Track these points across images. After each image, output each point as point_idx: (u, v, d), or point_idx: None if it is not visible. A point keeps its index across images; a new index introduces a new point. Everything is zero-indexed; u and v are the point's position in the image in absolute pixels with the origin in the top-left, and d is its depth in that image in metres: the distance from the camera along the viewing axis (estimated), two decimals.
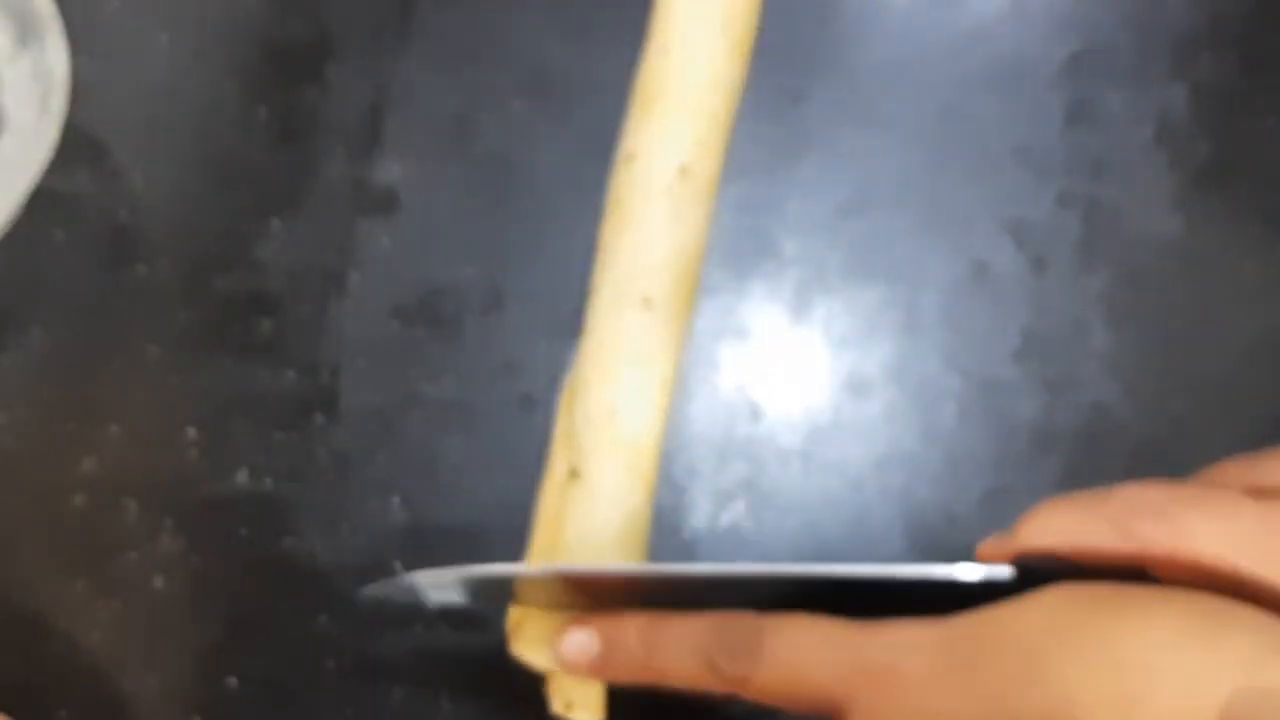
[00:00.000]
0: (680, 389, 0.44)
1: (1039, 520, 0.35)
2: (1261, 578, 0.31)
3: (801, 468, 0.45)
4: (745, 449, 0.45)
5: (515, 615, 0.41)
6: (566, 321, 0.45)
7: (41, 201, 0.44)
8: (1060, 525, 0.34)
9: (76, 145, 0.45)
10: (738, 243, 0.46)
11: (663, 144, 0.44)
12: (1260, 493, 0.32)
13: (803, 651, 0.35)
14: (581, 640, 0.38)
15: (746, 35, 0.45)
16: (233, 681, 0.42)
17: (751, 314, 0.46)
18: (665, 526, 0.44)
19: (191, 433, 0.44)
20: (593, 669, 0.38)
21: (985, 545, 0.36)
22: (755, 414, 0.45)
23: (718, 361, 0.46)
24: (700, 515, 0.44)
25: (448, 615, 0.43)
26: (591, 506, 0.41)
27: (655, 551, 0.43)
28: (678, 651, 0.36)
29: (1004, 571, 0.34)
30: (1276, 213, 0.47)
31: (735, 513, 0.44)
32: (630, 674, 0.38)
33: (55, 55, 0.41)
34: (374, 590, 0.42)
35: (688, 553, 0.44)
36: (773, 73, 0.47)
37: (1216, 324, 0.46)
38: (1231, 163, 0.47)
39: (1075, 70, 0.48)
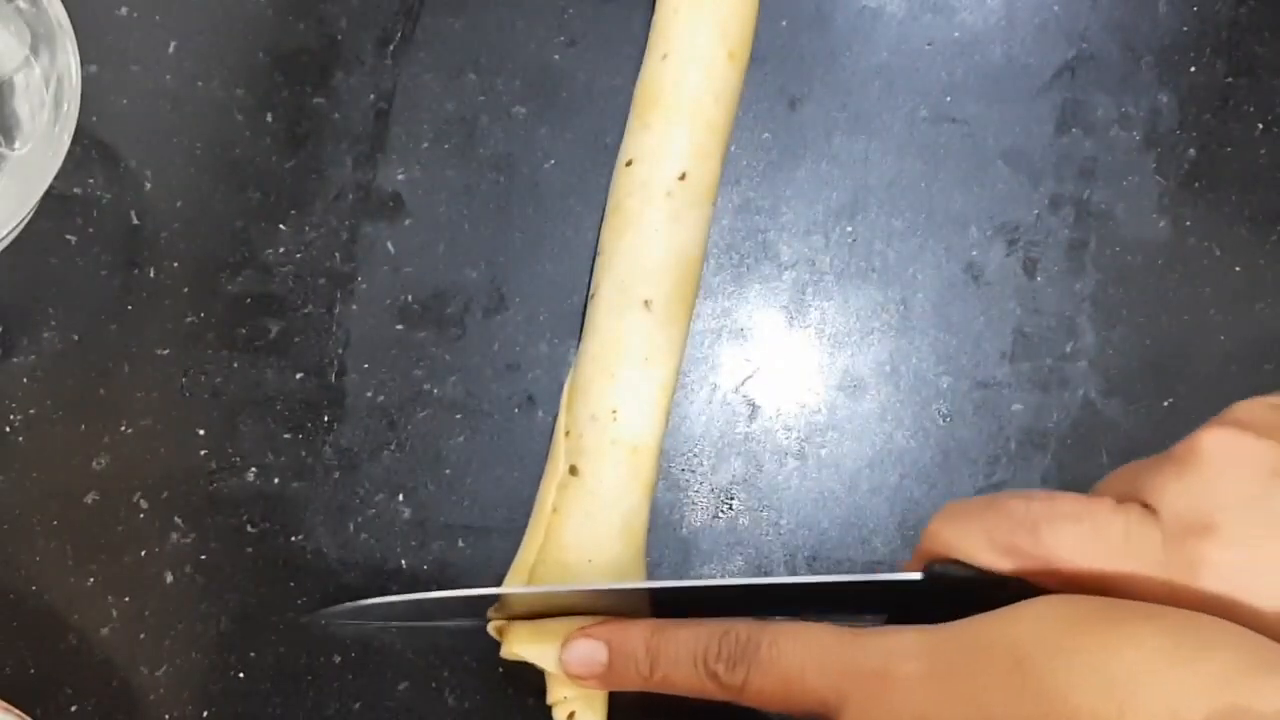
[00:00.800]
0: (679, 388, 0.45)
1: (932, 528, 0.36)
2: (1127, 586, 0.32)
3: (797, 466, 0.45)
4: (742, 447, 0.45)
5: (498, 620, 0.42)
6: (568, 323, 0.46)
7: (54, 205, 0.45)
8: (947, 536, 0.35)
9: (88, 150, 0.46)
10: (735, 245, 0.47)
11: (662, 149, 0.44)
12: (1133, 502, 0.33)
13: (797, 658, 0.35)
14: (587, 650, 0.39)
15: (744, 43, 0.46)
16: (240, 675, 0.43)
17: (749, 315, 0.46)
18: (664, 523, 0.44)
19: (201, 432, 0.44)
20: (598, 679, 0.39)
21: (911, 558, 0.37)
22: (752, 413, 0.46)
23: (716, 362, 0.46)
24: (698, 512, 0.45)
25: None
26: (590, 504, 0.42)
27: (654, 548, 0.44)
28: (680, 660, 0.37)
29: (915, 577, 0.35)
30: (1262, 216, 0.48)
31: (732, 510, 0.45)
32: (634, 683, 0.38)
33: (67, 61, 0.41)
34: (328, 614, 0.42)
35: (686, 549, 0.44)
36: (769, 79, 0.48)
37: (1204, 324, 0.47)
38: (1218, 167, 0.48)
39: (1065, 76, 0.48)
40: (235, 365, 0.45)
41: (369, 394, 0.45)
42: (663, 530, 0.44)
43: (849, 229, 0.47)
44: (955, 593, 0.35)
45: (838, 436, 0.45)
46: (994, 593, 0.34)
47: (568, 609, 0.40)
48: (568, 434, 0.43)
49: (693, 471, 0.45)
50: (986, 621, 0.33)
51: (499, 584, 0.43)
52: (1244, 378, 0.46)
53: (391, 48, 0.48)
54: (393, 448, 0.45)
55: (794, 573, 0.45)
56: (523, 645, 0.40)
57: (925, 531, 0.36)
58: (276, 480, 0.44)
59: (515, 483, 0.44)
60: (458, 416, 0.45)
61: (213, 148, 0.46)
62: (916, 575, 0.36)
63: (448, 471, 0.45)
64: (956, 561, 0.35)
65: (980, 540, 0.34)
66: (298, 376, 0.45)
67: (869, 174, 0.47)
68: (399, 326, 0.46)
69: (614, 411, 0.42)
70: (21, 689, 0.42)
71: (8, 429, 0.44)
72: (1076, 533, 0.33)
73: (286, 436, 0.45)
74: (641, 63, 0.46)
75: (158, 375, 0.45)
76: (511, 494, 0.44)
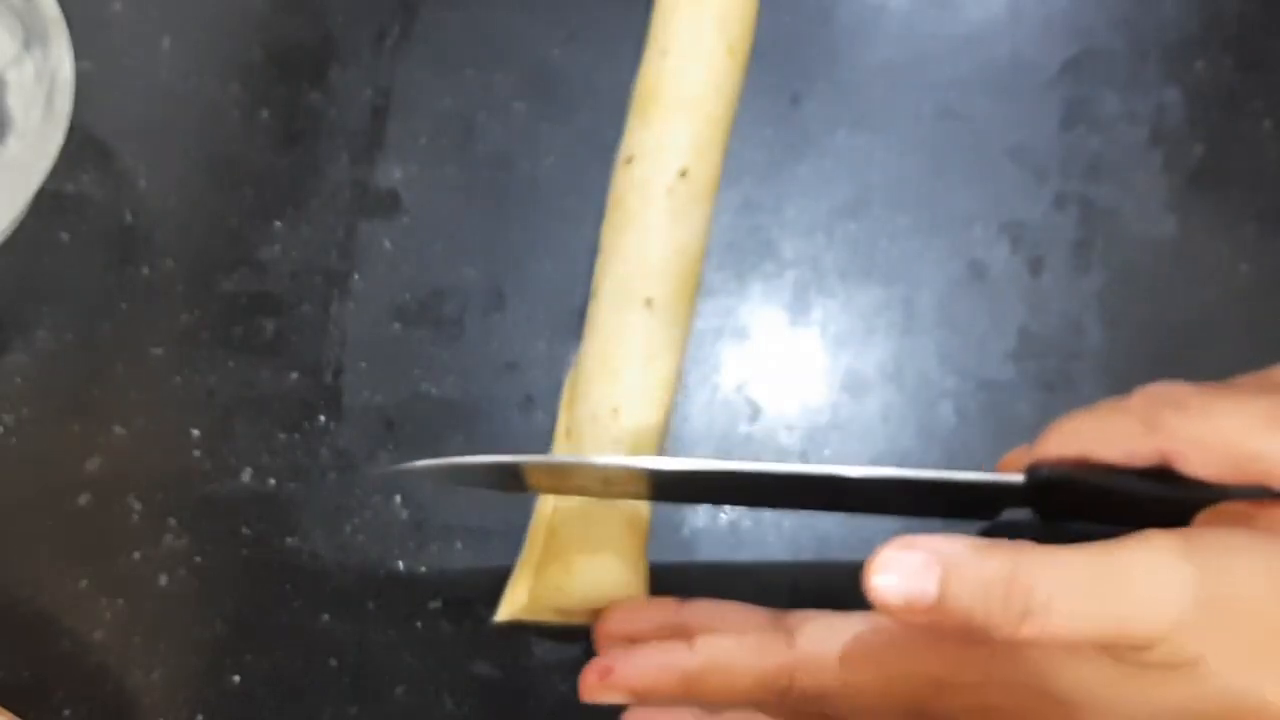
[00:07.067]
0: (680, 388, 0.45)
1: (1065, 430, 0.35)
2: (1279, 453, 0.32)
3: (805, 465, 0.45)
4: (744, 448, 0.45)
5: (514, 603, 0.42)
6: (568, 322, 0.45)
7: (46, 203, 0.45)
8: (1087, 430, 0.35)
9: (81, 147, 0.45)
10: (737, 244, 0.47)
11: (662, 146, 0.44)
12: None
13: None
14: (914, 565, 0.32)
15: (745, 38, 0.46)
16: (236, 679, 0.43)
17: (751, 314, 0.46)
18: (665, 524, 0.44)
19: (195, 433, 0.44)
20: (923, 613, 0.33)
21: (1008, 457, 0.38)
22: (754, 413, 0.45)
23: (717, 361, 0.46)
24: (699, 513, 0.44)
25: (450, 609, 0.43)
26: (591, 503, 0.42)
27: (655, 549, 0.43)
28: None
29: (1018, 478, 0.36)
30: (1270, 213, 0.47)
31: (734, 510, 0.45)
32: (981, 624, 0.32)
33: (60, 58, 0.41)
34: (383, 472, 0.43)
35: (687, 550, 0.44)
36: (771, 75, 0.47)
37: (1210, 324, 0.46)
38: (1226, 164, 0.47)
39: (1071, 72, 0.48)
40: (230, 365, 0.45)
41: (366, 394, 0.45)
42: (664, 530, 0.44)
43: (852, 227, 0.47)
44: (1050, 498, 0.36)
45: (841, 437, 0.45)
46: (1096, 498, 0.35)
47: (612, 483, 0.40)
48: (568, 433, 0.43)
49: None
50: None
51: (501, 584, 0.43)
52: None
53: (388, 43, 0.48)
54: (390, 448, 0.44)
55: (794, 574, 0.44)
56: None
57: (1052, 433, 0.36)
58: (272, 481, 0.44)
59: None
60: (455, 417, 0.45)
61: (207, 145, 0.46)
62: (1018, 478, 0.36)
63: None
64: (1060, 465, 0.35)
65: (1129, 423, 0.34)
66: (294, 376, 0.45)
67: (872, 171, 0.47)
68: (396, 326, 0.45)
69: (615, 410, 0.42)
70: (14, 693, 0.41)
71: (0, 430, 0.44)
72: (1226, 406, 0.33)
73: (282, 437, 0.44)
74: (641, 58, 0.46)
75: (152, 375, 0.45)
76: (510, 495, 0.44)
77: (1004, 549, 0.31)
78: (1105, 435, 0.35)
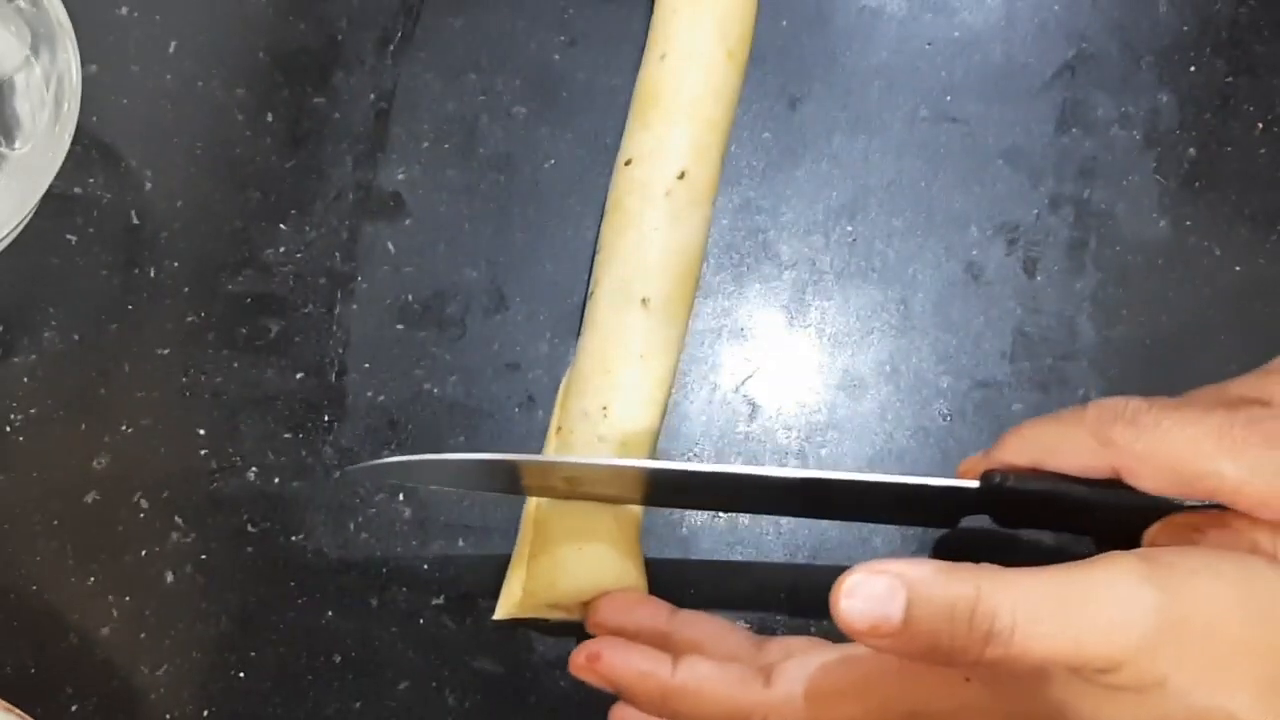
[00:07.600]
0: (679, 388, 0.45)
1: (1020, 438, 0.35)
2: (1225, 470, 0.32)
3: (798, 465, 0.45)
4: (743, 447, 0.45)
5: (512, 601, 0.42)
6: (568, 323, 0.46)
7: (54, 205, 0.45)
8: (1041, 439, 0.35)
9: (88, 150, 0.46)
10: (735, 245, 0.47)
11: (662, 149, 0.44)
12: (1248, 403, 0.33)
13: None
14: (879, 589, 0.32)
15: (743, 42, 0.46)
16: (241, 674, 0.43)
17: (749, 315, 0.46)
18: (664, 522, 0.44)
19: (201, 432, 0.44)
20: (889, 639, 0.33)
21: (965, 463, 0.38)
22: (753, 413, 0.46)
23: (716, 361, 0.46)
24: (699, 511, 0.45)
25: (452, 606, 0.44)
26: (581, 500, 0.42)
27: (654, 546, 0.44)
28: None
29: (972, 484, 0.37)
30: (1262, 215, 0.47)
31: None
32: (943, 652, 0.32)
33: (67, 61, 0.41)
34: (359, 470, 0.42)
35: (685, 548, 0.44)
36: (769, 79, 0.48)
37: (1204, 324, 0.47)
38: (1218, 167, 0.48)
39: (1065, 76, 0.48)
40: (236, 365, 0.45)
41: (369, 394, 0.45)
42: (663, 529, 0.44)
43: (849, 229, 0.47)
44: (1004, 504, 0.37)
45: (838, 436, 0.45)
46: (1050, 506, 0.36)
47: (595, 485, 0.40)
48: (559, 430, 0.43)
49: None
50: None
51: (500, 578, 0.43)
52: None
53: (392, 47, 0.48)
54: (393, 447, 0.45)
55: (793, 574, 0.44)
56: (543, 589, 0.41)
57: (1009, 440, 0.36)
58: (277, 480, 0.44)
59: None
60: (458, 416, 0.45)
61: (213, 147, 0.47)
62: (972, 484, 0.36)
63: None
64: (1015, 473, 0.35)
65: (1081, 436, 0.34)
66: (298, 376, 0.45)
67: (869, 174, 0.47)
68: (399, 326, 0.46)
69: (605, 409, 0.42)
70: (22, 689, 0.42)
71: (8, 429, 0.44)
72: (1178, 422, 0.33)
73: (287, 436, 0.45)
74: (641, 62, 0.46)
75: (158, 375, 0.45)
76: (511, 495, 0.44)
77: (969, 572, 0.31)
78: (1059, 446, 0.35)
